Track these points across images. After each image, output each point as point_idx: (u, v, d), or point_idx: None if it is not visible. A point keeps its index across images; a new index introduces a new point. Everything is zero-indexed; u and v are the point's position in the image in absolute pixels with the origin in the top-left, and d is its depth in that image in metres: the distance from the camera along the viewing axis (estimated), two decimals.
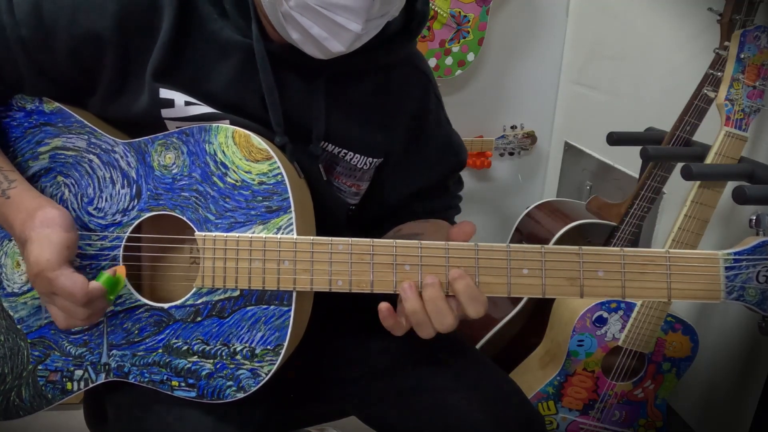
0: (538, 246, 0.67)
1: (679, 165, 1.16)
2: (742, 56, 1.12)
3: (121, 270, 0.72)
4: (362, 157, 0.87)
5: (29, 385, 0.79)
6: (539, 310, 1.55)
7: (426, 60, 0.94)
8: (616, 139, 1.42)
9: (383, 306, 0.69)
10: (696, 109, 1.29)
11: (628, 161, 1.82)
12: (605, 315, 1.28)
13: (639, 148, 1.28)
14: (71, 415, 1.12)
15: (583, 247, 0.67)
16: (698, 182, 1.16)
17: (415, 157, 0.92)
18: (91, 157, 0.77)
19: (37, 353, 0.78)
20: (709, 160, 1.15)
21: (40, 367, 0.78)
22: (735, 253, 0.66)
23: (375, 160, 0.88)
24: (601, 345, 1.30)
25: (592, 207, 1.58)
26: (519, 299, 1.59)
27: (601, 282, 0.67)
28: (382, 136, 0.87)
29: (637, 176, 1.57)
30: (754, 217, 0.67)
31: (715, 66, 1.24)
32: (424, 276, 0.68)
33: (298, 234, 0.71)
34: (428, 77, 0.92)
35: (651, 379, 1.34)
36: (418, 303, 0.68)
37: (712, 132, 1.18)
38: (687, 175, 1.12)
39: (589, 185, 2.05)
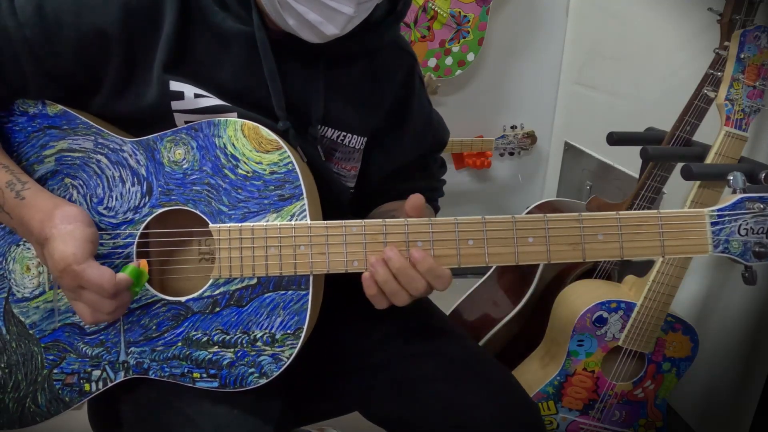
0: (541, 215, 0.72)
1: (679, 165, 1.16)
2: (742, 56, 1.12)
3: (144, 263, 0.73)
4: (358, 137, 0.90)
5: (45, 390, 0.78)
6: (539, 310, 1.55)
7: (408, 43, 0.98)
8: (616, 139, 1.42)
9: (366, 275, 0.72)
10: (696, 109, 1.29)
11: (628, 161, 1.82)
12: (605, 315, 1.28)
13: (639, 148, 1.29)
14: (72, 415, 1.12)
15: (583, 213, 0.72)
16: (698, 182, 1.16)
17: (397, 134, 0.94)
18: (99, 157, 0.77)
19: (51, 357, 0.78)
20: (709, 160, 1.16)
21: (55, 371, 0.78)
22: (718, 210, 0.72)
23: (366, 138, 0.91)
24: (601, 345, 1.30)
25: (592, 207, 1.59)
26: (520, 298, 1.59)
27: (600, 245, 0.72)
28: (372, 114, 0.90)
29: (637, 176, 1.57)
30: (731, 178, 0.73)
31: (715, 66, 1.24)
32: (385, 251, 0.72)
33: (310, 219, 0.73)
34: (414, 58, 0.95)
35: (651, 379, 1.34)
36: (387, 272, 0.71)
37: (712, 132, 1.19)
38: (687, 175, 1.12)
39: (589, 185, 2.06)
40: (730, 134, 1.14)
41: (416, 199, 0.73)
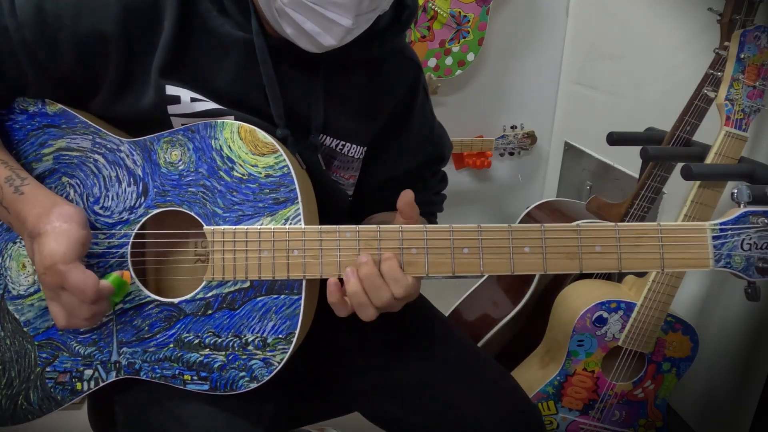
0: (538, 225, 0.71)
1: (679, 165, 1.16)
2: (742, 56, 1.12)
3: (126, 275, 0.73)
4: (358, 146, 0.89)
5: (37, 388, 0.78)
6: (539, 310, 1.55)
7: (415, 52, 0.96)
8: (616, 139, 1.42)
9: (332, 281, 0.71)
10: (696, 109, 1.29)
11: (628, 161, 1.82)
12: (605, 315, 1.28)
13: (639, 148, 1.29)
14: (72, 415, 1.12)
15: (581, 224, 0.71)
16: (698, 182, 1.16)
17: (394, 143, 0.93)
18: (96, 156, 0.77)
19: (44, 355, 0.78)
20: (709, 160, 1.16)
21: (48, 369, 0.78)
22: (721, 224, 0.70)
23: (365, 148, 0.90)
24: (601, 345, 1.30)
25: (592, 207, 1.58)
26: (519, 299, 1.59)
27: (598, 256, 0.70)
28: (373, 124, 0.90)
29: (637, 176, 1.57)
30: (736, 191, 0.72)
31: (715, 66, 1.24)
32: (360, 257, 0.71)
33: (305, 224, 0.72)
34: (419, 67, 0.94)
35: (651, 379, 1.34)
36: (358, 285, 0.70)
37: (712, 132, 1.19)
38: (687, 175, 1.12)
39: (589, 185, 2.06)
40: (730, 134, 1.14)
41: (407, 195, 0.71)
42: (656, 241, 0.70)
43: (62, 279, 0.67)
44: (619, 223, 0.70)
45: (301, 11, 0.72)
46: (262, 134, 0.74)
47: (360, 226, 0.71)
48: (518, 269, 0.71)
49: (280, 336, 0.74)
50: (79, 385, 0.78)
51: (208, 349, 0.75)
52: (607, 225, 0.70)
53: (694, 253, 0.70)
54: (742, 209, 0.70)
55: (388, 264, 0.70)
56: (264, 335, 0.74)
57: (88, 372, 0.78)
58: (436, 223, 1.03)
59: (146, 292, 0.76)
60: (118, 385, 0.78)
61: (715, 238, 0.70)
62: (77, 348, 0.77)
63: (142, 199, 0.76)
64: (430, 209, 1.02)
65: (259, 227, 0.72)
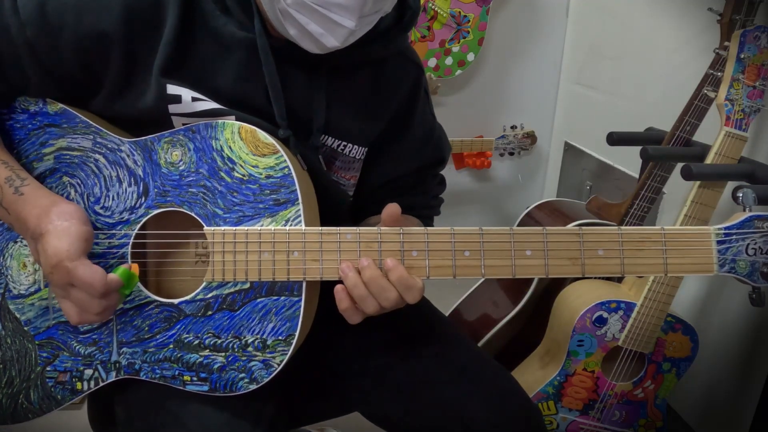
0: (540, 228, 0.70)
1: (679, 165, 1.16)
2: (742, 56, 1.12)
3: (135, 267, 0.73)
4: (359, 147, 0.89)
5: (38, 387, 0.79)
6: (539, 310, 1.55)
7: (417, 54, 0.96)
8: (616, 139, 1.42)
9: (339, 287, 0.71)
10: (696, 109, 1.29)
11: (628, 161, 1.82)
12: (605, 315, 1.28)
13: (639, 148, 1.29)
14: (72, 415, 1.12)
15: (583, 227, 0.70)
16: (698, 182, 1.16)
17: (395, 145, 0.93)
18: (97, 156, 0.77)
19: (45, 354, 0.78)
20: (709, 160, 1.16)
21: (48, 369, 0.78)
22: (725, 228, 0.69)
23: (366, 148, 0.91)
24: (601, 345, 1.30)
25: (592, 207, 1.58)
26: (519, 299, 1.59)
27: (601, 260, 0.70)
28: (374, 125, 0.90)
29: (637, 176, 1.57)
30: (741, 195, 0.71)
31: (715, 66, 1.24)
32: (360, 260, 0.70)
33: (305, 225, 0.72)
34: (421, 69, 0.94)
35: (651, 379, 1.34)
36: (357, 278, 0.70)
37: (712, 132, 1.19)
38: (687, 175, 1.12)
39: (589, 185, 2.06)
40: (730, 134, 1.14)
41: (392, 207, 0.71)
42: (660, 246, 0.69)
43: (70, 275, 0.68)
44: (622, 227, 0.70)
45: (304, 12, 0.72)
46: (262, 135, 0.74)
47: (360, 227, 0.71)
48: (520, 273, 0.70)
49: (280, 337, 0.74)
50: (79, 385, 0.78)
51: (207, 350, 0.75)
52: (610, 229, 0.70)
53: (698, 258, 0.69)
54: (747, 213, 0.69)
55: (396, 272, 0.70)
56: (264, 337, 0.74)
57: (88, 372, 0.78)
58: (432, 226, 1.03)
59: (146, 292, 0.76)
60: (118, 384, 0.78)
61: (719, 242, 0.69)
62: (77, 348, 0.78)
63: (143, 199, 0.76)
64: (428, 213, 1.02)
65: (259, 228, 0.72)
